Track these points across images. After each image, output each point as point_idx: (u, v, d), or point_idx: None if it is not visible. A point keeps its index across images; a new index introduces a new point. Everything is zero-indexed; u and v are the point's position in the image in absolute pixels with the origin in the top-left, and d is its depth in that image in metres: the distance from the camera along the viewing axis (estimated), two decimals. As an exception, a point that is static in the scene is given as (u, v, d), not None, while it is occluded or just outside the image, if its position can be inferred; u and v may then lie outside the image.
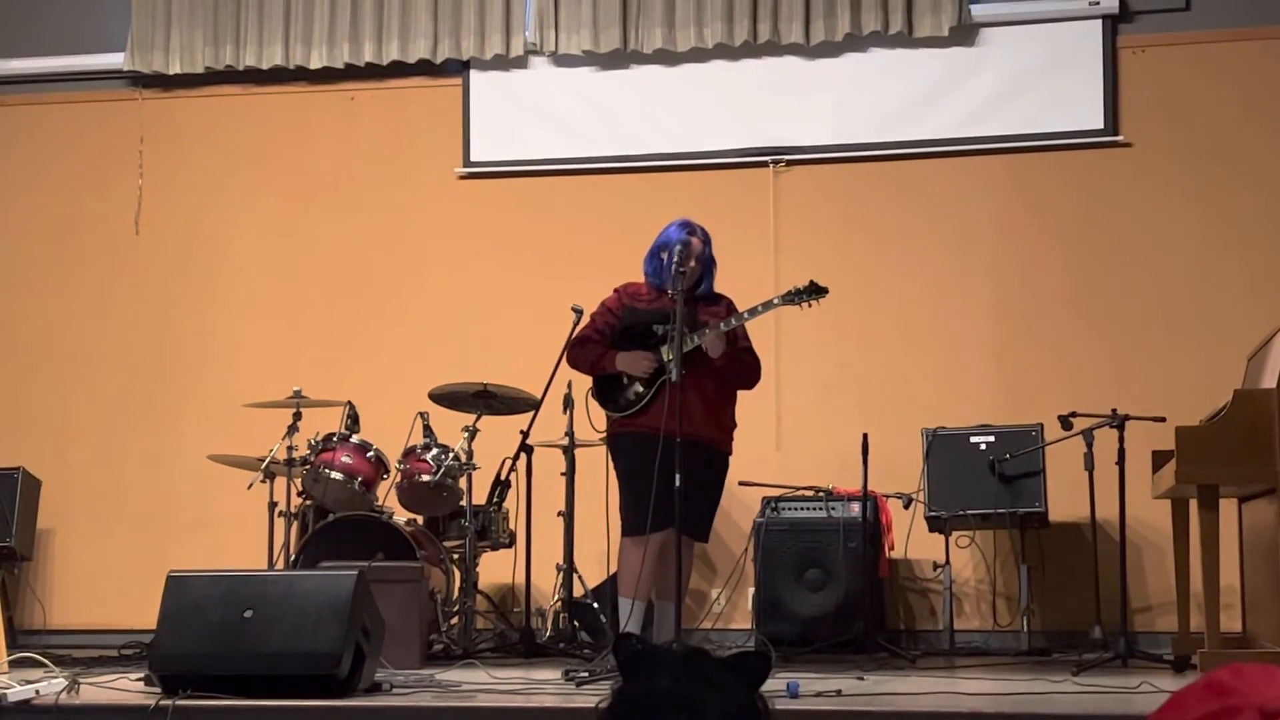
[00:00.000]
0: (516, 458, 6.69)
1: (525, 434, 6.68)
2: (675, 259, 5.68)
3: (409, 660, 5.76)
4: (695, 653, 1.99)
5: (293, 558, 6.56)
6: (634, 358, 5.79)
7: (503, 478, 6.73)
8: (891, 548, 7.28)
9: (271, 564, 6.82)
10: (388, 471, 6.89)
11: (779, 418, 7.74)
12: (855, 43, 7.86)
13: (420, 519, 7.00)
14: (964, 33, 7.79)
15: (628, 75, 8.12)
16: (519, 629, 6.78)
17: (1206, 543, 5.18)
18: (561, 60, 8.15)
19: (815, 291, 5.79)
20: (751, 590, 7.21)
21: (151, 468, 8.24)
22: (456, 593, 6.81)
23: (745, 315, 5.80)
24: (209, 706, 4.45)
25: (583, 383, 6.14)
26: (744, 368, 5.91)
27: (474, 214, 8.21)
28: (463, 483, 6.81)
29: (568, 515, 7.02)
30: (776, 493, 7.21)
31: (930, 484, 7.15)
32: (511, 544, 7.07)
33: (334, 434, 6.83)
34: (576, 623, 6.96)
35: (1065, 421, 6.46)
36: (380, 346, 8.15)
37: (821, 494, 7.15)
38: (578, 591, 7.01)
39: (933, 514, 7.12)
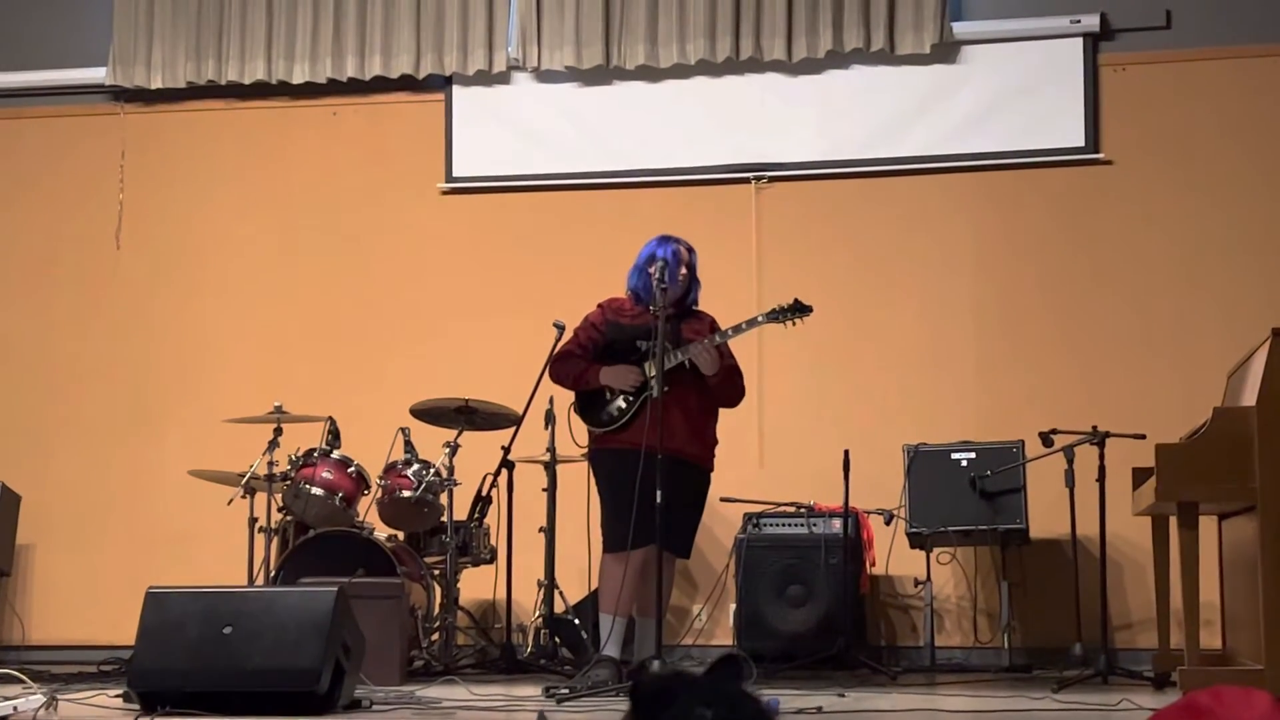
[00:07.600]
0: (498, 473, 6.68)
1: (506, 450, 6.67)
2: (659, 274, 5.68)
3: (389, 677, 5.75)
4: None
5: (273, 574, 6.53)
6: (619, 372, 5.79)
7: (484, 493, 6.72)
8: (873, 564, 7.28)
9: (252, 580, 6.80)
10: (369, 487, 6.87)
11: (761, 434, 7.74)
12: (837, 60, 7.88)
13: (401, 535, 6.98)
14: (946, 50, 7.82)
15: (610, 91, 8.13)
16: (500, 645, 6.76)
17: (1186, 560, 5.18)
18: (544, 76, 8.15)
19: (799, 310, 5.80)
20: (733, 606, 7.20)
21: (132, 483, 8.21)
22: (437, 609, 6.79)
23: (729, 333, 5.81)
24: (188, 724, 4.43)
25: (564, 399, 6.14)
26: (733, 386, 5.91)
27: (456, 229, 8.20)
28: (444, 498, 6.79)
29: (549, 531, 7.01)
30: (758, 509, 7.22)
31: (911, 500, 7.14)
32: (492, 560, 7.05)
33: (315, 449, 6.81)
34: (558, 639, 6.94)
35: (1046, 438, 6.46)
36: (361, 362, 8.14)
37: (803, 510, 7.15)
38: (559, 608, 7.00)
39: (914, 530, 7.12)
